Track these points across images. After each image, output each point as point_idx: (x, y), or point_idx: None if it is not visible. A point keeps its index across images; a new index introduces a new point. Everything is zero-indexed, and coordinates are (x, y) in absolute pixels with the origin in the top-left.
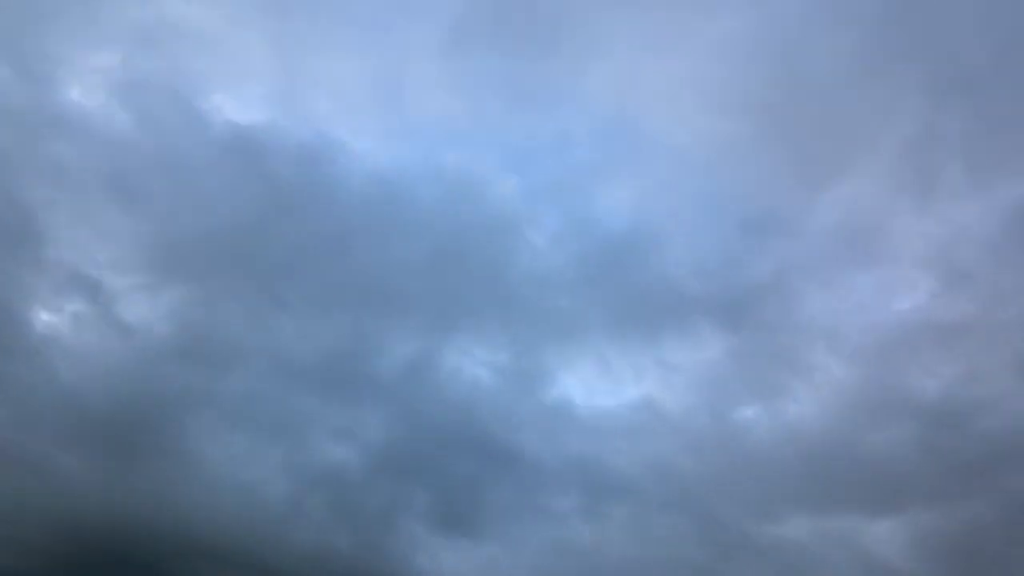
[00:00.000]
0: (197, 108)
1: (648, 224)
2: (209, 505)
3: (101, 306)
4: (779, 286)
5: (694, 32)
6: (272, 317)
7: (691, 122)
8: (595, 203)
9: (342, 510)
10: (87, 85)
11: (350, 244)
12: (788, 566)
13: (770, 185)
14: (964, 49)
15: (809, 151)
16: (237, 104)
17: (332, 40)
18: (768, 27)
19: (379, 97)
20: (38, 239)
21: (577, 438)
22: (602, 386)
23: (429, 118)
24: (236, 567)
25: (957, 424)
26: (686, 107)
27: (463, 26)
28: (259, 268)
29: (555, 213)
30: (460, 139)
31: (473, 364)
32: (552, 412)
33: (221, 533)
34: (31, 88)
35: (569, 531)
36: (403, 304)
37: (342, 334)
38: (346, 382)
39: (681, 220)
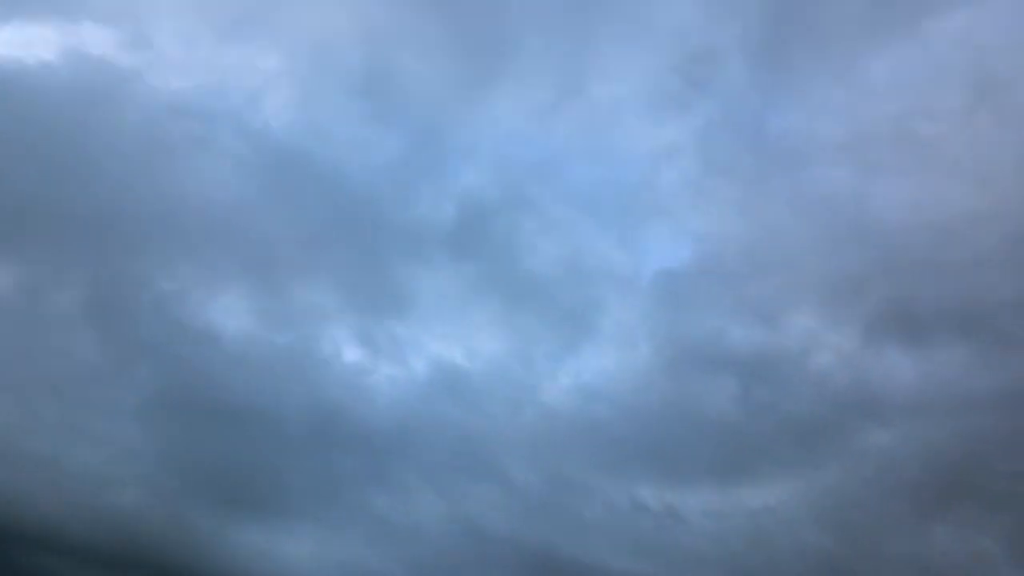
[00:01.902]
0: None
1: (317, 128)
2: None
3: None
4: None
5: None
6: None
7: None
8: (258, 112)
9: (147, 485)
10: None
11: None
12: (631, 541)
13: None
14: None
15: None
16: None
17: None
18: None
19: None
20: None
21: (322, 391)
22: (335, 330)
23: None
24: (45, 548)
25: (778, 380)
26: None
27: None
28: None
29: (216, 128)
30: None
31: (186, 308)
32: (287, 362)
33: (21, 508)
34: None
35: (370, 504)
36: (65, 228)
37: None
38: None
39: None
